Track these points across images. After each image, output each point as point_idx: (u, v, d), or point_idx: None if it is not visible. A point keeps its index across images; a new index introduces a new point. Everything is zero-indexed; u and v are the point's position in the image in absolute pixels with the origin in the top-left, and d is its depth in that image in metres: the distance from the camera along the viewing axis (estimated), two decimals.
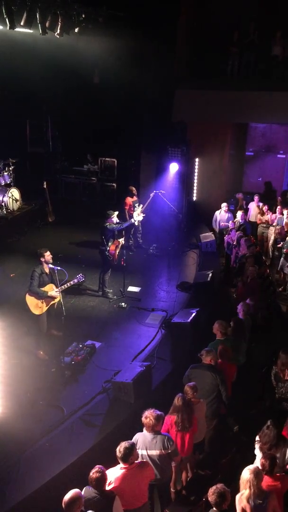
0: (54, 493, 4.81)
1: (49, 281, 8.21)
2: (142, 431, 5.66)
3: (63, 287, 8.19)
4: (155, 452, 5.51)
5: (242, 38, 15.13)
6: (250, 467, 4.86)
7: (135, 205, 12.84)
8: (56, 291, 8.13)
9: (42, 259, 8.13)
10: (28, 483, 5.65)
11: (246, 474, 4.80)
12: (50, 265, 8.14)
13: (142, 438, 5.55)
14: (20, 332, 8.60)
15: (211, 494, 4.51)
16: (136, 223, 12.31)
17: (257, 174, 17.89)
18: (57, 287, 8.18)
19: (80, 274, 8.46)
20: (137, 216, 12.31)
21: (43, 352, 8.27)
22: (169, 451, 5.57)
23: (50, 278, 8.22)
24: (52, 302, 8.26)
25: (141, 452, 5.50)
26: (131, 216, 12.49)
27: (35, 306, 8.10)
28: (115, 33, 12.72)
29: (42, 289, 8.07)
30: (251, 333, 8.47)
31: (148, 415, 5.50)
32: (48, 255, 8.16)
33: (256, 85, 14.68)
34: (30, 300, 8.08)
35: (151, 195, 12.87)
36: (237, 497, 4.83)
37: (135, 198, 13.23)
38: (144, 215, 12.46)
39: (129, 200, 13.11)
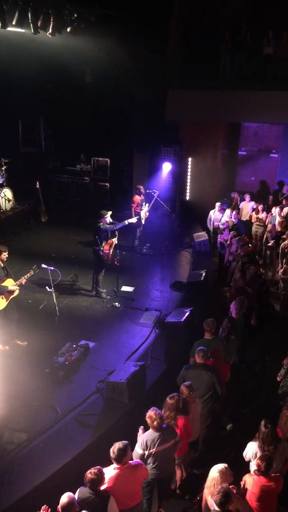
0: (49, 494, 4.80)
1: (5, 275, 8.27)
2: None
3: (22, 281, 8.24)
4: (166, 445, 5.58)
5: (234, 38, 15.15)
6: (219, 466, 4.90)
7: (143, 203, 12.88)
8: (14, 285, 8.19)
9: None
10: (22, 484, 5.63)
11: (213, 472, 4.86)
12: (43, 265, 8.14)
13: (150, 438, 5.57)
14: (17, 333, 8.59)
15: (216, 493, 4.50)
16: (126, 223, 12.22)
17: (250, 174, 17.95)
18: (15, 281, 8.25)
19: (35, 265, 8.40)
20: (144, 215, 12.40)
21: (20, 341, 8.40)
22: (177, 439, 5.68)
23: (6, 273, 8.30)
24: (12, 297, 8.27)
25: (153, 450, 5.54)
26: (137, 215, 12.53)
27: None
28: (107, 33, 12.71)
29: (2, 284, 8.10)
30: (244, 332, 8.50)
31: (154, 417, 5.52)
32: (4, 254, 8.26)
33: (248, 85, 14.71)
34: None
35: (155, 195, 12.93)
36: (205, 491, 4.96)
37: (142, 196, 13.24)
38: (136, 217, 12.45)
39: (137, 198, 13.10)
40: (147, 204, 12.84)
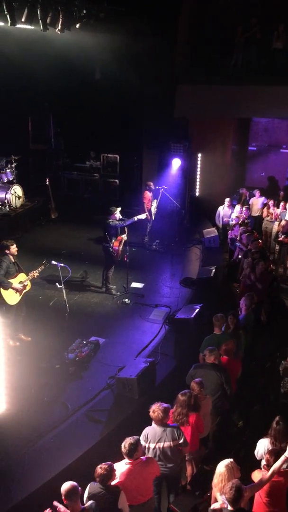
0: (59, 489, 4.82)
1: (17, 271, 8.33)
2: (148, 425, 5.69)
3: (34, 274, 8.35)
4: (166, 444, 5.56)
5: (244, 32, 15.05)
6: (225, 461, 4.89)
7: (153, 200, 12.87)
8: (24, 281, 8.26)
9: (7, 251, 8.27)
10: (33, 480, 5.67)
11: (220, 467, 4.85)
12: (54, 262, 8.18)
13: (152, 432, 5.60)
14: (27, 329, 8.64)
15: (228, 490, 4.47)
16: (138, 218, 12.17)
17: (260, 169, 17.85)
18: (27, 275, 8.33)
19: (45, 260, 8.50)
20: (154, 211, 12.38)
21: (24, 335, 8.49)
22: (180, 441, 5.62)
23: (18, 268, 8.36)
24: (24, 291, 8.35)
25: (152, 445, 5.56)
26: (149, 211, 12.51)
27: (10, 296, 8.16)
28: (116, 29, 12.68)
29: (10, 280, 8.15)
30: (254, 328, 8.47)
31: (156, 409, 5.55)
32: (13, 248, 8.31)
33: (258, 80, 14.61)
34: (5, 291, 8.13)
35: (161, 191, 12.90)
36: (214, 489, 4.94)
37: (152, 193, 13.22)
38: (146, 213, 12.43)
39: (148, 194, 13.09)
40: (155, 200, 12.82)
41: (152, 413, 5.55)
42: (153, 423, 5.61)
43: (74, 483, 4.53)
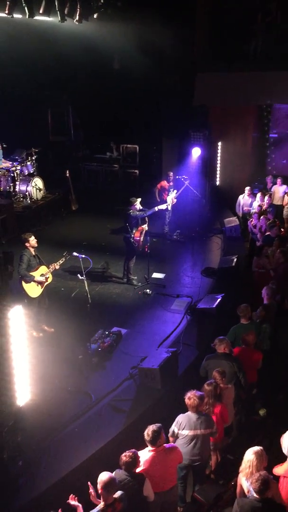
0: (84, 477, 4.89)
1: (38, 263, 8.37)
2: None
3: (55, 266, 8.39)
4: (199, 432, 5.62)
5: (264, 17, 14.78)
6: (255, 448, 4.87)
7: (170, 190, 12.80)
8: (45, 274, 8.30)
9: (27, 244, 8.29)
10: (58, 468, 5.76)
11: (249, 454, 4.83)
12: (75, 253, 8.22)
13: (186, 419, 5.64)
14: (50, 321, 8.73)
15: (255, 481, 4.46)
16: (156, 209, 12.11)
17: (281, 157, 17.57)
18: (48, 268, 8.36)
19: (66, 251, 8.54)
20: (171, 201, 12.31)
21: (47, 326, 8.56)
22: (214, 430, 5.70)
23: (39, 261, 8.40)
24: (46, 284, 8.40)
25: (185, 432, 5.61)
26: (164, 201, 12.46)
27: (32, 289, 8.22)
28: (134, 18, 12.59)
29: (31, 273, 8.20)
30: (276, 317, 8.39)
31: (192, 396, 5.60)
32: (32, 240, 8.31)
33: (279, 65, 14.35)
34: (27, 284, 8.20)
35: (186, 183, 12.80)
36: (240, 474, 4.92)
37: (171, 183, 13.15)
38: (165, 204, 12.36)
39: (164, 183, 13.01)
40: (175, 191, 12.74)
41: (188, 400, 5.61)
42: (188, 411, 5.66)
43: (112, 475, 4.57)
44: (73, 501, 4.64)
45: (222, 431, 6.22)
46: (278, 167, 17.29)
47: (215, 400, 5.95)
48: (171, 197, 12.48)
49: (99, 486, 4.49)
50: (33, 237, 8.38)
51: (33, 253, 8.38)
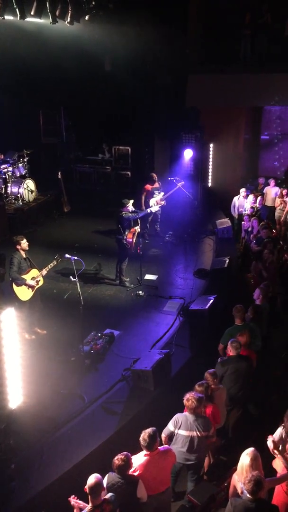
0: (77, 480, 4.87)
1: (29, 266, 8.33)
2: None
3: (45, 271, 8.34)
4: (195, 434, 5.62)
5: (255, 19, 14.85)
6: (248, 451, 4.89)
7: (155, 192, 12.77)
8: (36, 277, 8.25)
9: (19, 247, 8.23)
10: (51, 471, 5.74)
11: (244, 456, 4.85)
12: (67, 255, 8.20)
13: (184, 419, 5.66)
14: (42, 323, 8.70)
15: (248, 482, 4.49)
16: (149, 211, 12.08)
17: (273, 158, 17.67)
18: (39, 271, 8.31)
19: (57, 255, 8.45)
20: (154, 204, 12.26)
21: (40, 329, 8.54)
22: (210, 433, 5.70)
23: (30, 264, 8.35)
24: (37, 287, 8.36)
25: (183, 432, 5.62)
26: (146, 203, 12.43)
27: (23, 292, 8.18)
28: (126, 19, 12.60)
29: (22, 276, 8.16)
30: (269, 318, 8.42)
31: (190, 398, 5.61)
32: (24, 243, 8.26)
33: (270, 68, 14.43)
34: (17, 288, 8.15)
35: (179, 185, 12.75)
36: (234, 475, 4.95)
37: (156, 184, 13.10)
38: (159, 205, 12.33)
39: (148, 186, 13.02)
40: (161, 193, 12.67)
41: (186, 401, 5.62)
42: (186, 412, 5.68)
43: (99, 476, 4.56)
44: (74, 500, 4.64)
45: (214, 432, 6.22)
46: (269, 169, 17.39)
47: (206, 401, 5.95)
48: (156, 200, 12.39)
49: (87, 491, 4.49)
50: (24, 240, 8.32)
51: (24, 256, 8.33)
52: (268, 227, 11.44)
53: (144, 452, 5.11)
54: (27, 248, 8.38)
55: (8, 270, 8.36)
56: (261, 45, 14.99)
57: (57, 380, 7.37)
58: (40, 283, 8.42)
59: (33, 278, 8.27)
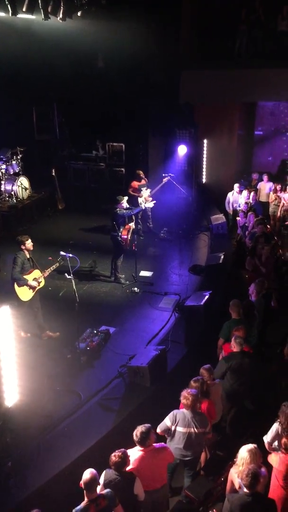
0: (74, 476, 4.87)
1: (31, 267, 8.24)
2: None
3: (47, 272, 8.27)
4: (193, 430, 5.64)
5: (248, 15, 14.84)
6: (248, 446, 4.91)
7: (141, 189, 12.74)
8: (38, 278, 8.17)
9: (23, 247, 8.13)
10: (48, 468, 5.73)
11: (243, 452, 4.87)
12: (62, 253, 8.16)
13: (182, 416, 5.66)
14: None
15: (245, 476, 4.52)
16: (143, 207, 12.06)
17: (266, 154, 17.69)
18: (41, 272, 8.24)
19: (60, 257, 8.27)
20: (143, 200, 12.25)
21: (52, 332, 8.54)
22: (207, 430, 5.73)
23: (32, 264, 8.26)
24: (38, 287, 8.29)
25: (180, 429, 5.64)
26: (135, 200, 12.42)
27: (24, 293, 8.13)
28: (118, 15, 12.55)
29: (24, 276, 8.08)
30: (264, 314, 8.44)
31: (187, 395, 5.62)
32: (29, 243, 8.16)
33: (263, 63, 14.43)
34: (19, 288, 8.09)
35: (164, 180, 12.71)
36: (231, 470, 4.96)
37: (143, 182, 13.10)
38: (154, 201, 12.30)
39: (134, 183, 12.98)
40: (148, 190, 12.65)
41: (183, 399, 5.63)
42: (183, 409, 5.69)
43: (94, 472, 4.56)
44: None
45: (210, 428, 6.24)
46: (263, 164, 17.41)
47: (202, 397, 5.97)
48: (144, 197, 12.38)
49: (82, 486, 4.50)
50: (29, 240, 8.18)
51: (28, 256, 8.21)
52: (263, 223, 11.46)
53: (138, 447, 5.13)
54: (32, 248, 8.24)
55: (3, 267, 8.30)
56: (254, 41, 14.97)
57: (53, 378, 7.37)
58: (42, 284, 8.32)
59: (35, 279, 8.17)
